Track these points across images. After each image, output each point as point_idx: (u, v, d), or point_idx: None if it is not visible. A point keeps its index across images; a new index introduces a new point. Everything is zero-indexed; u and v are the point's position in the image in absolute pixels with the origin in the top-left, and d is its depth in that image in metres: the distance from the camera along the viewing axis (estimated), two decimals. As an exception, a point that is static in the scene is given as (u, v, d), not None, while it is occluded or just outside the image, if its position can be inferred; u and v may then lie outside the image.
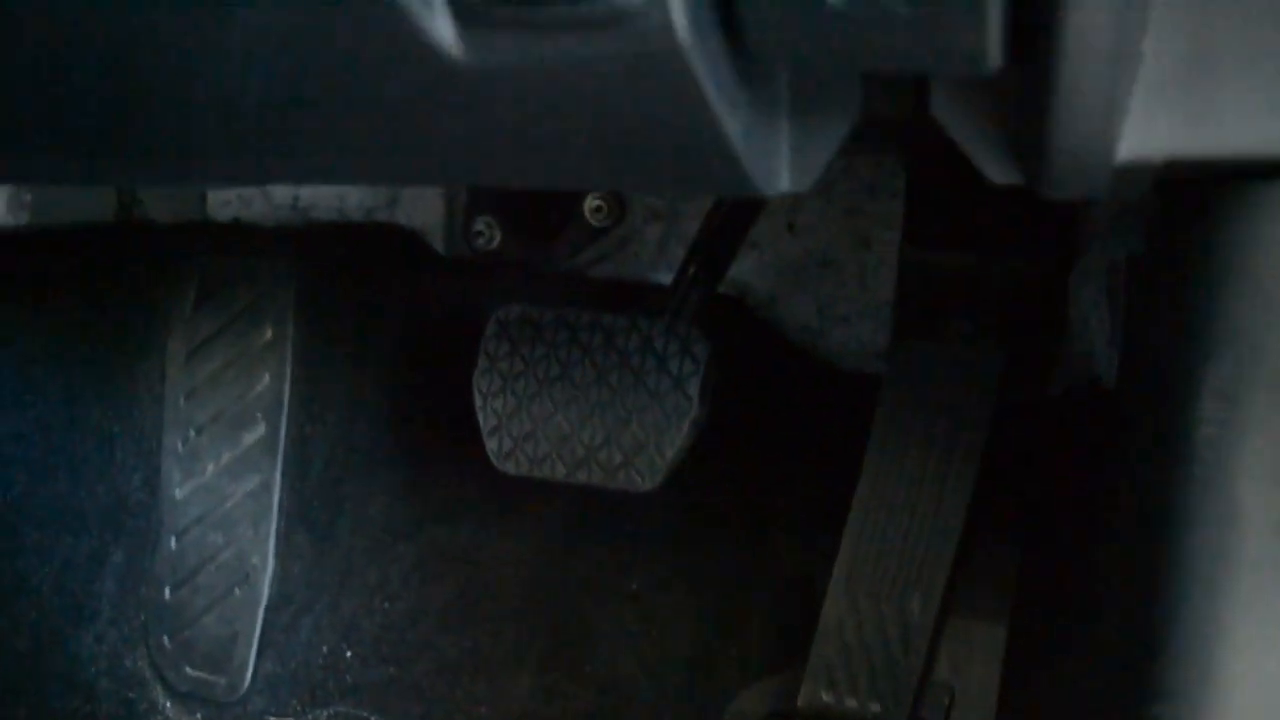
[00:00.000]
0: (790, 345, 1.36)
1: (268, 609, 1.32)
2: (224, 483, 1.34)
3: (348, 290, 1.37)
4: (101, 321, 1.33)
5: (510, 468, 1.12)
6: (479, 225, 1.40)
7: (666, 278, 1.35)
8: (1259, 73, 0.53)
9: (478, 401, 1.12)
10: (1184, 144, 0.56)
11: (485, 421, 1.12)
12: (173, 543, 1.34)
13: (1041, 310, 1.20)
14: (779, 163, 0.58)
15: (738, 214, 1.22)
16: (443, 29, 0.49)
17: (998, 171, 0.57)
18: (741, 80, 0.53)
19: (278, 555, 1.32)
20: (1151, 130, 0.56)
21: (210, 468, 1.34)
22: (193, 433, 1.35)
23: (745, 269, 1.37)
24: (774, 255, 1.38)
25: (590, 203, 1.37)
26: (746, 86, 0.53)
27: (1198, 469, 0.61)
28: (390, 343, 1.38)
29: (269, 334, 1.32)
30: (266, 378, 1.32)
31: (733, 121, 0.52)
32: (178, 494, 1.34)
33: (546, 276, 1.38)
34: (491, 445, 1.12)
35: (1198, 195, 0.63)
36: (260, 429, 1.32)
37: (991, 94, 0.54)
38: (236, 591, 1.32)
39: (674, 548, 1.30)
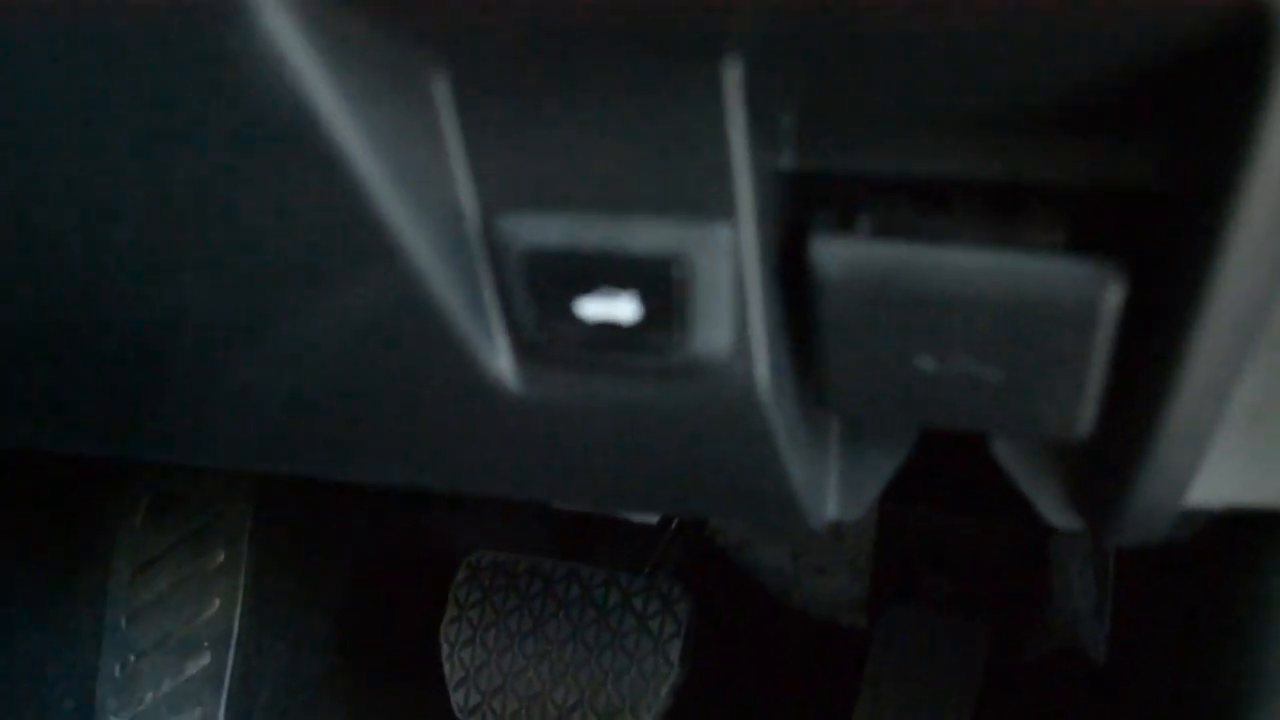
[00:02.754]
0: (763, 592, 1.33)
1: None
2: (163, 713, 1.26)
3: (307, 515, 1.32)
4: (43, 535, 1.27)
5: (476, 723, 1.07)
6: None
7: (634, 515, 1.32)
8: None
9: (444, 651, 1.08)
10: (1248, 492, 0.54)
11: (452, 673, 1.07)
12: (104, 776, 1.26)
13: (1023, 575, 1.18)
14: (828, 496, 0.56)
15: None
16: (503, 363, 0.47)
17: (1057, 516, 0.55)
18: (804, 422, 0.51)
19: (215, 795, 1.24)
20: (1218, 477, 0.54)
21: (149, 696, 1.26)
22: (133, 658, 1.27)
23: (719, 510, 1.34)
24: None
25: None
26: (807, 427, 0.51)
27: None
28: (348, 573, 1.32)
29: (221, 557, 1.26)
30: (216, 603, 1.25)
31: (795, 463, 0.50)
32: (112, 724, 1.26)
33: (511, 508, 1.34)
34: (458, 698, 1.07)
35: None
36: (205, 657, 1.25)
37: (1063, 448, 0.52)
38: (170, 833, 1.24)
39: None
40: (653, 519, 1.24)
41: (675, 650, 1.02)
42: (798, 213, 0.45)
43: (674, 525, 1.13)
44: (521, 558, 1.08)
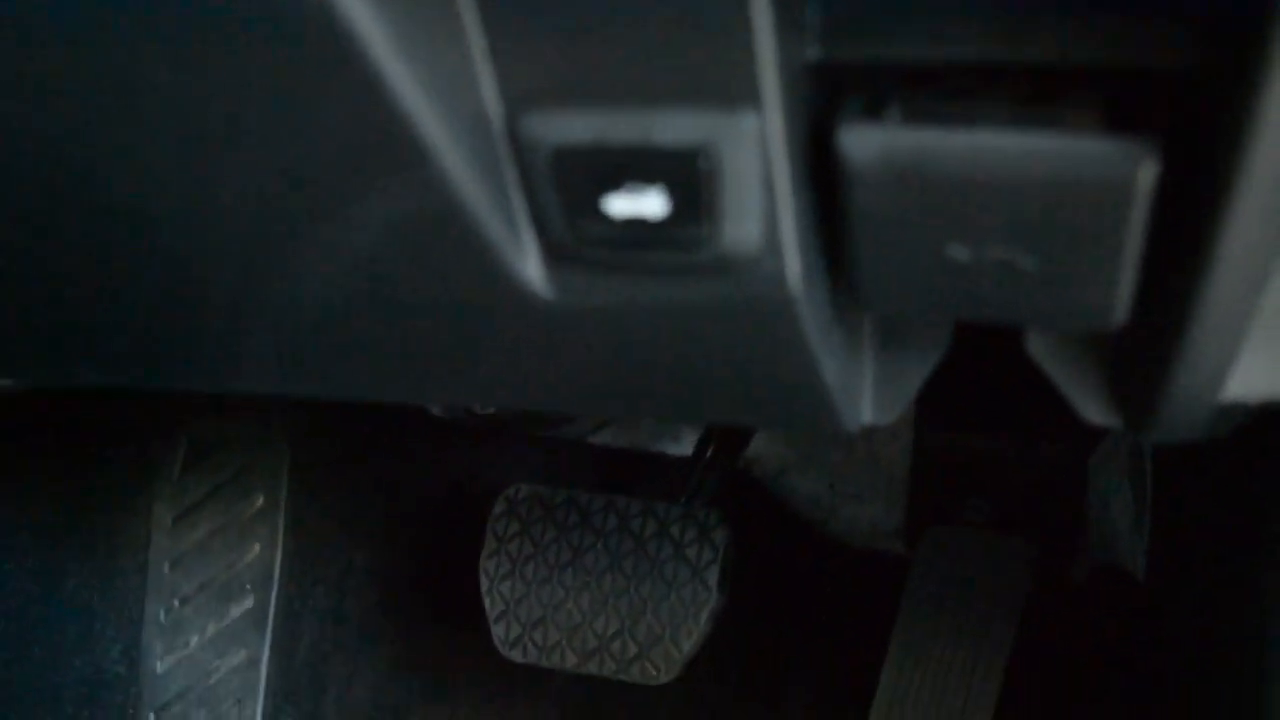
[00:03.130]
0: (800, 520, 1.33)
1: (250, 792, 1.25)
2: (209, 656, 1.27)
3: (344, 457, 1.32)
4: (84, 486, 1.28)
5: (518, 655, 1.07)
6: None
7: (670, 447, 1.32)
8: None
9: (484, 584, 1.08)
10: None
11: (492, 606, 1.08)
12: (153, 719, 1.27)
13: (1062, 495, 1.18)
14: (863, 398, 0.56)
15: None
16: (532, 268, 0.46)
17: (1095, 413, 0.54)
18: (837, 322, 0.50)
19: (263, 735, 1.25)
20: (1255, 370, 0.53)
21: (194, 640, 1.28)
22: (177, 603, 1.28)
23: (756, 440, 1.34)
24: (784, 427, 1.35)
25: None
26: (840, 327, 0.51)
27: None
28: (386, 513, 1.33)
29: (260, 501, 1.27)
30: (256, 547, 1.26)
31: (828, 363, 0.50)
32: (159, 667, 1.27)
33: (547, 444, 1.34)
34: (498, 631, 1.07)
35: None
36: (248, 600, 1.26)
37: (1098, 343, 0.52)
38: (217, 774, 1.25)
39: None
40: (687, 450, 1.24)
41: (713, 577, 1.02)
42: (825, 104, 0.44)
43: (709, 455, 1.12)
44: (559, 490, 1.08)
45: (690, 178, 0.42)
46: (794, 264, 0.44)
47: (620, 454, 1.34)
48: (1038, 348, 0.53)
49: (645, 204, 0.43)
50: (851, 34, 0.43)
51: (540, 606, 1.06)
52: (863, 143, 0.42)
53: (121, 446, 1.30)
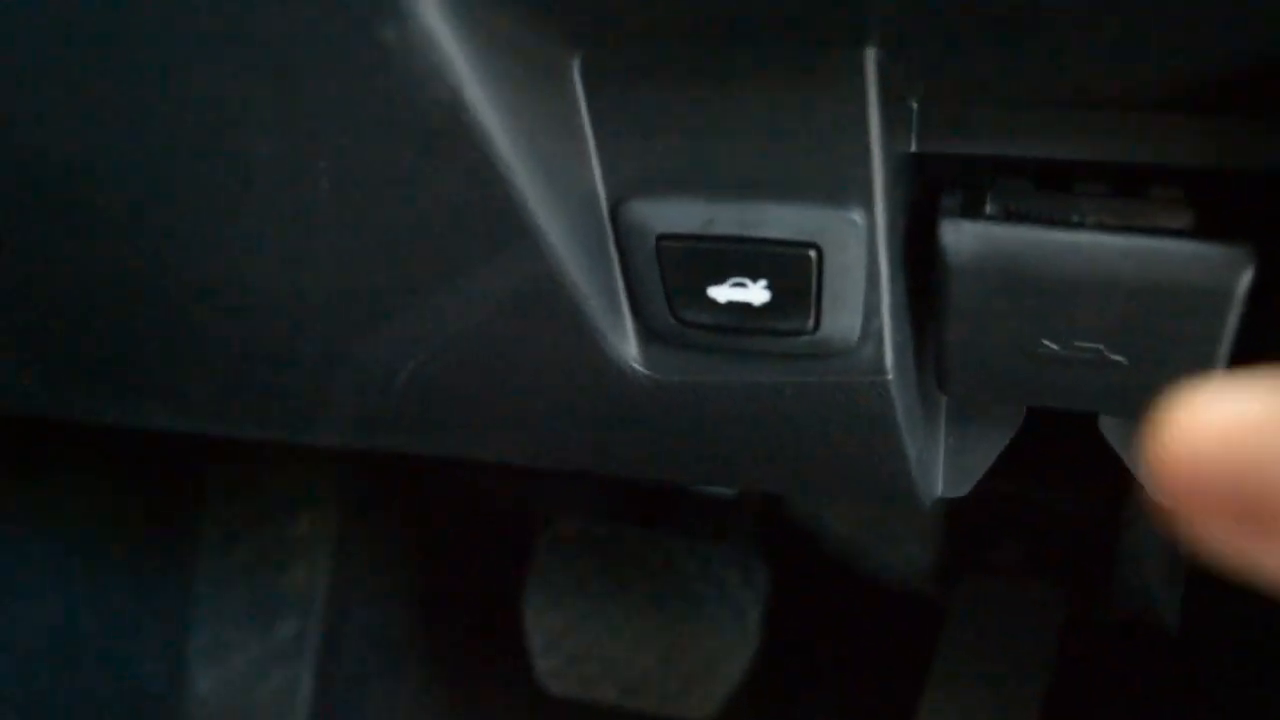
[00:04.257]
0: (835, 560, 1.34)
1: (289, 813, 1.27)
2: (251, 676, 1.29)
3: (390, 482, 1.34)
4: (135, 504, 1.29)
5: (559, 689, 1.09)
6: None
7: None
8: None
9: (528, 617, 1.09)
10: None
11: (536, 639, 1.09)
12: (194, 738, 1.29)
13: (1093, 543, 1.19)
14: (937, 472, 0.57)
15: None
16: (631, 347, 0.48)
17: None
18: (921, 404, 0.52)
19: (302, 757, 1.26)
20: None
21: (239, 660, 1.30)
22: (221, 623, 1.30)
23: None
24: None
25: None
26: (923, 409, 0.52)
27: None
28: (429, 539, 1.34)
29: (306, 523, 1.28)
30: (302, 568, 1.28)
31: (912, 443, 0.51)
32: (201, 687, 1.29)
33: (591, 478, 1.35)
34: (542, 665, 1.09)
35: None
36: (291, 622, 1.28)
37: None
38: (258, 794, 1.27)
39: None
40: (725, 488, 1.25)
41: (755, 618, 1.03)
42: (921, 196, 0.46)
43: (748, 494, 1.14)
44: (603, 524, 1.09)
45: (795, 270, 0.43)
46: (891, 353, 0.45)
47: (660, 488, 1.35)
48: (1110, 429, 0.54)
49: (749, 294, 0.44)
50: (949, 129, 0.44)
51: (583, 641, 1.07)
52: (963, 238, 0.43)
53: (170, 465, 1.32)
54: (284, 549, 1.29)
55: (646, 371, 0.48)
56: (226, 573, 1.30)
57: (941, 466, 0.57)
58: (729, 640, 1.03)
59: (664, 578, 1.05)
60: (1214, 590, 1.00)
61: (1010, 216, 0.44)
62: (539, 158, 0.42)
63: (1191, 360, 0.44)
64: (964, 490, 0.57)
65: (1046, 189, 0.45)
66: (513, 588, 1.11)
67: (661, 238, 0.44)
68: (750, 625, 1.03)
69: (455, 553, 1.34)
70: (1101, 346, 0.45)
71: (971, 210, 0.44)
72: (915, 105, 0.44)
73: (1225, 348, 0.44)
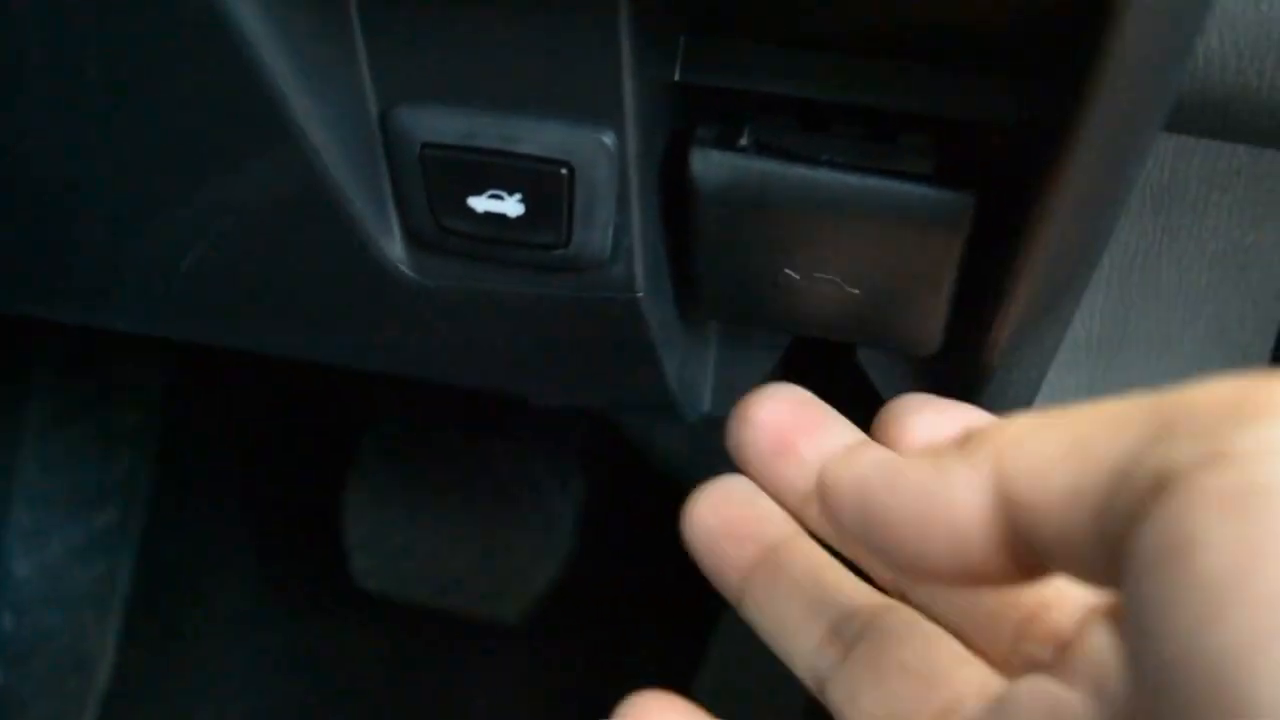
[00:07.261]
0: (659, 474, 1.37)
1: (105, 699, 1.27)
2: (71, 564, 1.28)
3: (220, 375, 1.33)
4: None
5: (373, 585, 1.11)
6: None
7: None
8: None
9: (347, 515, 1.11)
10: None
11: (352, 537, 1.11)
12: (9, 622, 1.28)
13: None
14: (704, 389, 0.60)
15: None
16: (397, 249, 0.49)
17: None
18: (680, 322, 0.54)
19: (119, 644, 1.27)
20: (1064, 397, 0.58)
21: (58, 546, 1.29)
22: (43, 507, 1.29)
23: (624, 395, 1.37)
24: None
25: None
26: (683, 327, 0.55)
27: None
28: (255, 438, 1.34)
29: (135, 414, 1.28)
30: (127, 459, 1.27)
31: (669, 359, 0.53)
32: (21, 571, 1.28)
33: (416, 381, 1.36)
34: (357, 562, 1.11)
35: None
36: (114, 511, 1.28)
37: (920, 363, 0.56)
38: (72, 679, 1.27)
39: (530, 678, 1.29)
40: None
41: (568, 523, 1.06)
42: (682, 124, 0.48)
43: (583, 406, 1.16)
44: (424, 428, 1.11)
45: (547, 185, 0.45)
46: (640, 273, 0.47)
47: (487, 397, 1.37)
48: (865, 357, 0.57)
49: (505, 205, 0.46)
50: (712, 62, 0.46)
51: (398, 541, 1.09)
52: (710, 167, 0.46)
53: (2, 345, 1.30)
54: (110, 438, 1.28)
55: (412, 275, 0.50)
56: (51, 459, 1.29)
57: (710, 385, 0.60)
58: (541, 546, 1.05)
59: (481, 480, 1.07)
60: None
61: (761, 150, 0.46)
62: (303, 60, 0.42)
63: (919, 297, 0.47)
64: (729, 409, 0.60)
65: (802, 126, 0.47)
66: (337, 488, 1.13)
67: (425, 146, 0.45)
68: (563, 532, 1.06)
69: (280, 449, 1.35)
70: (838, 279, 0.48)
71: (726, 142, 0.46)
72: (679, 36, 0.46)
73: (949, 286, 0.47)
